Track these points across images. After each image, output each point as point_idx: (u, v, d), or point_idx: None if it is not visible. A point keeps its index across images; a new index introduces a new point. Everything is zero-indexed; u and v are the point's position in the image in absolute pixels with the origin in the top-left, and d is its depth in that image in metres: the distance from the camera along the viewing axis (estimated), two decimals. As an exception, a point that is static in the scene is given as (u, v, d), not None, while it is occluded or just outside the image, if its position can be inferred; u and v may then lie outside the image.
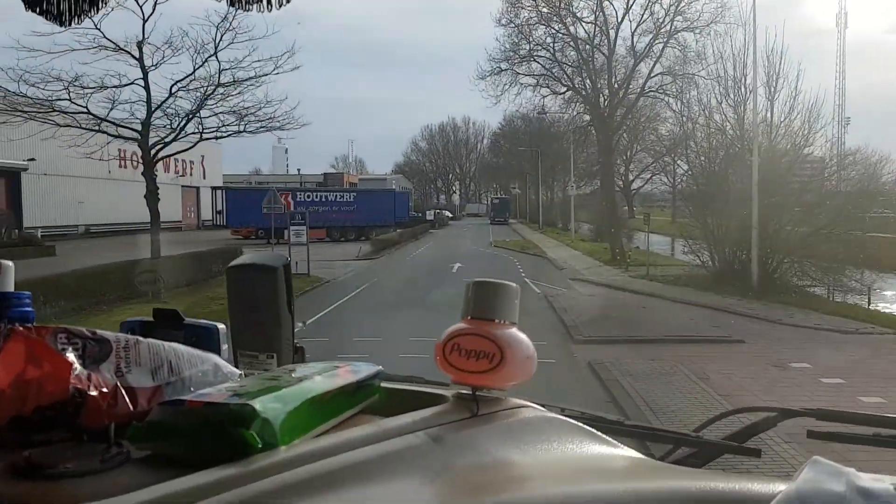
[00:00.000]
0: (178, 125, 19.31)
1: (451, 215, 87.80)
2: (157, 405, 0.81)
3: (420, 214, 70.07)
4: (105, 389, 0.82)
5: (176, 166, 54.55)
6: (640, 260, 24.62)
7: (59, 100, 17.57)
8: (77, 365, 0.82)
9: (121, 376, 0.85)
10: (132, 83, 18.53)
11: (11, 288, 1.05)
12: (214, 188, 41.31)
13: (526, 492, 0.80)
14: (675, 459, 1.09)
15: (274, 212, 19.93)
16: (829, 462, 0.67)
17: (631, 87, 29.50)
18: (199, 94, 19.91)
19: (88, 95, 18.77)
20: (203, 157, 57.96)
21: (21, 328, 0.83)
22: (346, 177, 74.70)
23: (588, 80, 29.52)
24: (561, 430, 0.96)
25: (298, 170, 79.81)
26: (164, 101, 18.73)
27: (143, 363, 0.88)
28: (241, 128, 20.02)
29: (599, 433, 0.98)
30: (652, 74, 28.98)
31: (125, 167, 47.55)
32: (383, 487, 0.75)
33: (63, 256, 21.00)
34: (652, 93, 29.55)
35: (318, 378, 0.89)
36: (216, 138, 21.34)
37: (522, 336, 0.96)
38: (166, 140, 19.38)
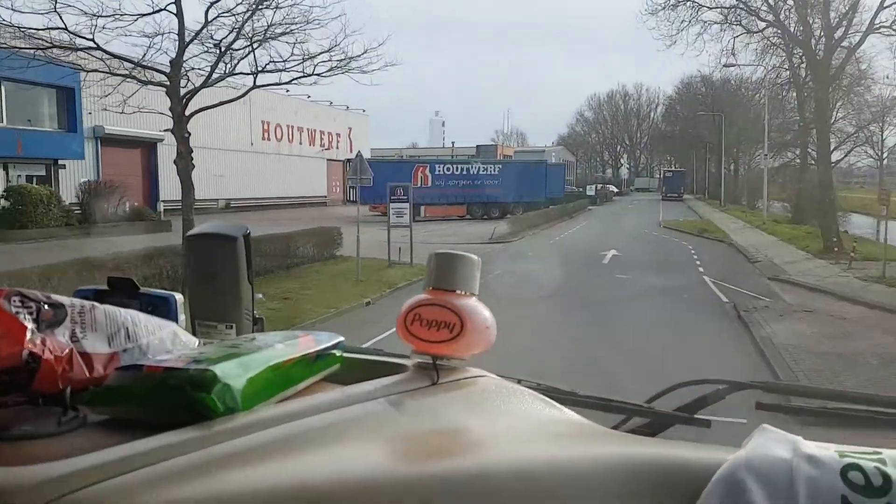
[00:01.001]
0: (217, 61, 14.90)
1: (616, 190, 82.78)
2: (114, 370, 0.83)
3: (580, 189, 63.78)
4: (60, 354, 0.83)
5: (322, 139, 52.39)
6: (867, 252, 17.49)
7: (80, 37, 13.77)
8: (31, 329, 0.82)
9: (76, 342, 0.86)
10: (159, 10, 14.34)
11: None
12: (346, 160, 38.06)
13: (482, 455, 0.82)
14: (627, 429, 1.10)
15: (361, 183, 15.40)
16: (776, 430, 0.72)
17: (853, 22, 21.85)
18: (247, 22, 15.49)
19: (108, 31, 15.16)
20: (350, 129, 55.59)
21: None
22: (501, 149, 70.00)
23: (795, 13, 22.20)
24: (517, 398, 0.99)
25: (453, 143, 76.12)
26: (199, 31, 14.54)
27: (100, 329, 0.89)
28: (311, 68, 15.46)
29: (554, 402, 1.00)
30: (886, 3, 21.19)
31: (268, 139, 45.69)
32: (344, 451, 0.77)
33: (177, 232, 18.41)
34: (884, 28, 21.71)
35: (280, 346, 0.92)
36: (278, 84, 16.94)
37: (482, 306, 0.99)
38: (200, 85, 14.95)
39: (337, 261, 18.24)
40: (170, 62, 14.77)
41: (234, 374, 0.80)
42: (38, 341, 0.82)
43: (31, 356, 0.80)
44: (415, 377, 0.98)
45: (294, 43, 15.77)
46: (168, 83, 14.82)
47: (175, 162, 15.54)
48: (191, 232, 1.13)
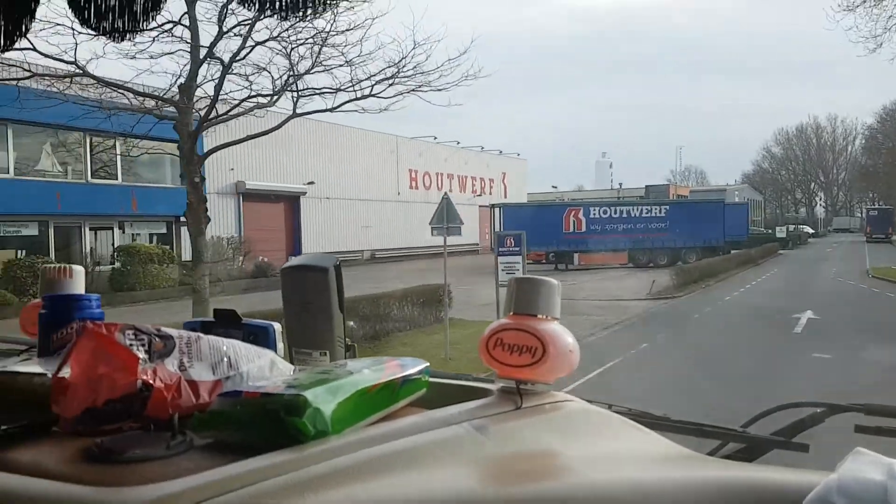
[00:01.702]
0: (220, 80, 12.21)
1: (811, 231, 76.74)
2: (217, 396, 0.91)
3: (768, 231, 56.59)
4: (169, 382, 0.92)
5: (473, 185, 50.34)
6: None
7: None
8: (144, 359, 0.92)
9: (184, 370, 0.95)
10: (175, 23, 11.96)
11: (82, 291, 1.23)
12: (493, 205, 35.21)
13: (568, 480, 0.84)
14: (723, 455, 1.09)
15: (447, 233, 12.16)
16: (871, 453, 0.72)
17: None
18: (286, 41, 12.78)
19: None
20: (504, 173, 53.16)
21: (92, 324, 0.94)
22: (674, 189, 64.33)
23: None
24: (606, 423, 1.00)
25: (620, 184, 71.40)
26: (213, 44, 11.85)
27: (204, 358, 0.98)
28: (368, 89, 12.45)
29: (645, 428, 1.00)
30: None
31: (415, 188, 44.19)
32: (429, 474, 0.81)
33: None
34: None
35: (367, 371, 0.97)
36: (328, 110, 14.05)
37: (564, 330, 1.01)
38: (206, 113, 12.19)
39: (442, 326, 15.08)
40: (178, 87, 12.42)
41: (325, 398, 0.86)
42: (150, 371, 0.91)
43: (144, 385, 0.89)
44: (499, 401, 0.99)
45: (343, 64, 12.91)
46: (177, 115, 12.27)
47: (184, 216, 12.99)
48: (285, 265, 1.23)
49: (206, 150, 13.56)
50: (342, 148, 38.67)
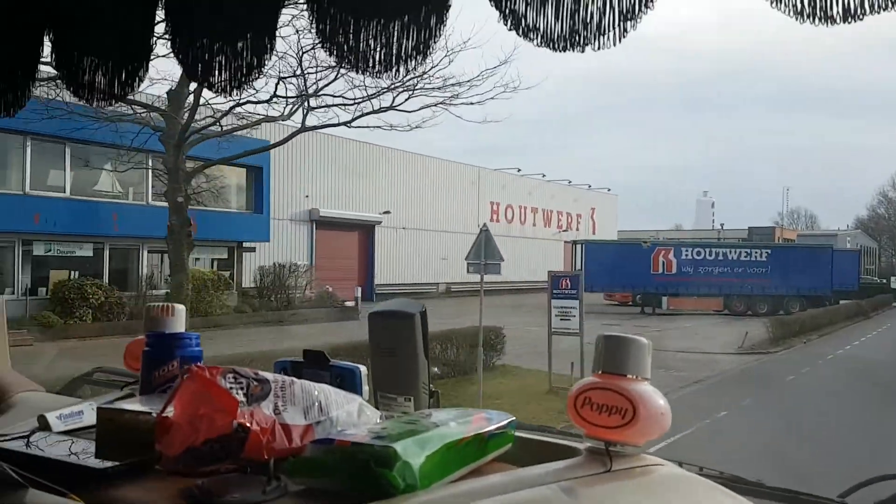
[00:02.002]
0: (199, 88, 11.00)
1: None
2: (309, 442, 0.95)
3: (882, 282, 51.76)
4: (265, 426, 0.95)
5: (559, 220, 48.58)
6: None
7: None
8: (242, 402, 0.96)
9: (278, 414, 0.98)
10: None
11: (183, 328, 1.30)
12: (574, 242, 33.34)
13: None
14: None
15: (485, 270, 10.69)
16: None
17: None
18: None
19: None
20: (593, 209, 51.04)
21: (197, 368, 0.99)
22: (779, 232, 60.18)
23: None
24: (698, 489, 0.98)
25: (721, 225, 67.59)
26: None
27: (297, 402, 1.01)
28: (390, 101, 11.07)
29: (738, 495, 0.98)
30: None
31: (497, 220, 42.99)
32: None
33: (362, 322, 15.44)
34: None
35: (454, 424, 0.99)
36: (341, 124, 12.64)
37: (656, 392, 0.99)
38: (186, 123, 10.78)
39: (491, 373, 13.49)
40: (167, 93, 11.34)
41: (413, 451, 0.87)
42: (248, 413, 0.94)
43: (240, 427, 0.92)
44: (587, 463, 0.99)
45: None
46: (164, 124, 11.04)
47: (167, 240, 11.61)
48: (373, 310, 1.25)
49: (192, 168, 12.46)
50: (421, 177, 38.25)
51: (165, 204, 19.72)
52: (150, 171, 22.10)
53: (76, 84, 1.36)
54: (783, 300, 32.27)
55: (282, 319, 21.46)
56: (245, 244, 27.50)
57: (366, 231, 35.33)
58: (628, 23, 0.96)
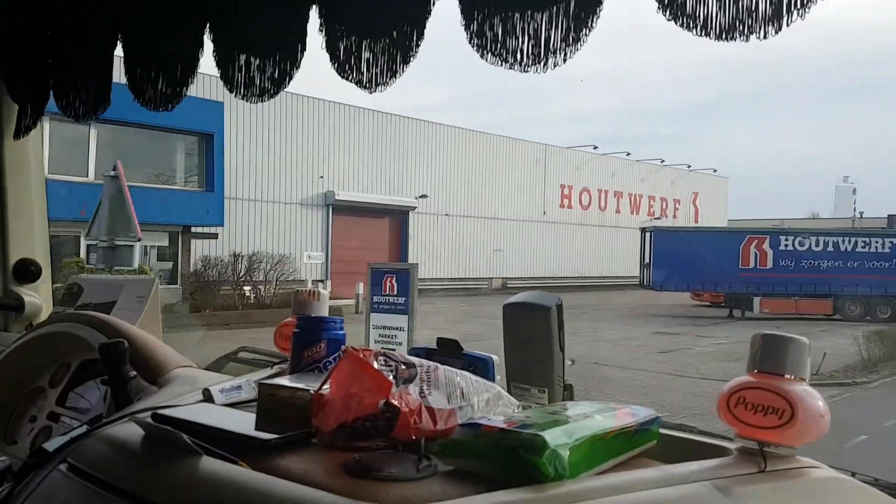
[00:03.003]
0: None
1: None
2: (457, 426, 0.98)
3: None
4: (412, 407, 0.98)
5: (651, 205, 42.13)
6: None
7: None
8: (394, 383, 0.99)
9: (423, 397, 1.01)
10: None
11: (327, 313, 1.40)
12: (643, 229, 27.39)
13: None
14: None
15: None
16: None
17: None
18: None
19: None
20: (696, 193, 44.03)
21: (353, 349, 1.02)
22: (928, 219, 50.15)
23: None
24: (855, 494, 0.97)
25: (860, 213, 57.56)
26: None
27: (441, 387, 1.04)
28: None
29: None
30: None
31: (569, 206, 37.38)
32: None
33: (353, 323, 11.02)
34: None
35: (599, 417, 0.99)
36: None
37: (816, 393, 0.97)
38: None
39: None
40: None
41: (561, 441, 0.88)
42: (397, 395, 0.97)
43: (388, 406, 0.95)
44: (739, 462, 0.97)
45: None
46: None
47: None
48: (508, 301, 1.27)
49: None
50: (469, 156, 33.13)
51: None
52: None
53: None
54: None
55: (227, 322, 17.18)
56: (196, 229, 22.34)
57: (397, 218, 30.54)
58: (794, 12, 0.93)
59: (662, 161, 44.17)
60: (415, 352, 1.21)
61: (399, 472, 0.90)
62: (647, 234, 27.65)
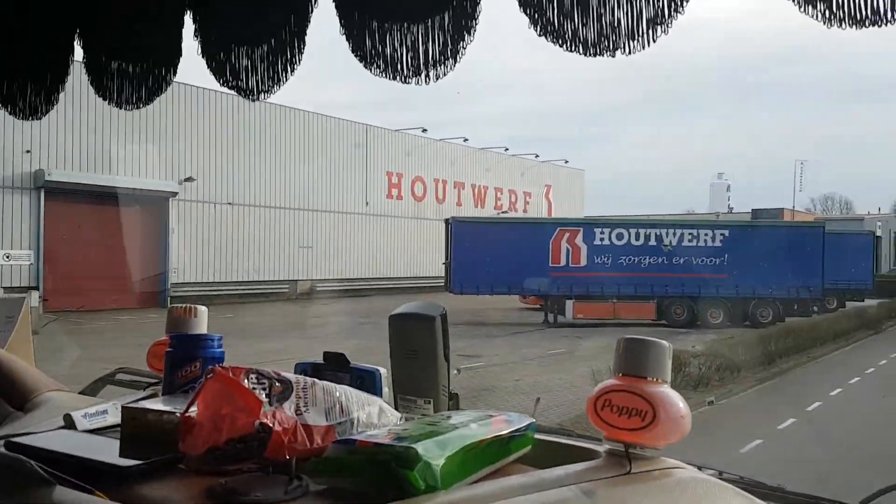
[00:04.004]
0: None
1: None
2: (331, 443, 0.95)
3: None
4: (287, 426, 0.95)
5: (498, 198, 38.03)
6: None
7: None
8: (265, 402, 0.96)
9: (300, 414, 0.98)
10: None
11: (205, 329, 1.33)
12: (447, 220, 22.69)
13: None
14: None
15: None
16: None
17: None
18: None
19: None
20: (548, 186, 40.18)
21: (221, 368, 0.98)
22: (791, 215, 49.03)
23: None
24: (718, 493, 0.98)
25: (730, 208, 55.81)
26: None
27: (319, 403, 1.01)
28: None
29: (759, 500, 0.98)
30: None
31: (398, 197, 32.71)
32: None
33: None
34: None
35: (474, 426, 0.99)
36: None
37: (675, 395, 0.99)
38: None
39: None
40: None
41: (434, 452, 0.87)
42: (270, 414, 0.94)
43: (262, 426, 0.92)
44: (607, 465, 0.98)
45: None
46: None
47: None
48: (393, 312, 1.26)
49: None
50: (267, 134, 27.41)
51: None
52: None
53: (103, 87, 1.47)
54: (749, 304, 21.78)
55: None
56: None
57: (153, 207, 23.93)
58: (658, 27, 0.97)
59: (506, 149, 40.11)
60: (301, 367, 1.21)
61: (266, 495, 0.88)
62: (450, 226, 23.02)
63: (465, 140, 37.35)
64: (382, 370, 1.19)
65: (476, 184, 37.80)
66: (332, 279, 29.26)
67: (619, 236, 22.59)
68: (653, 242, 22.43)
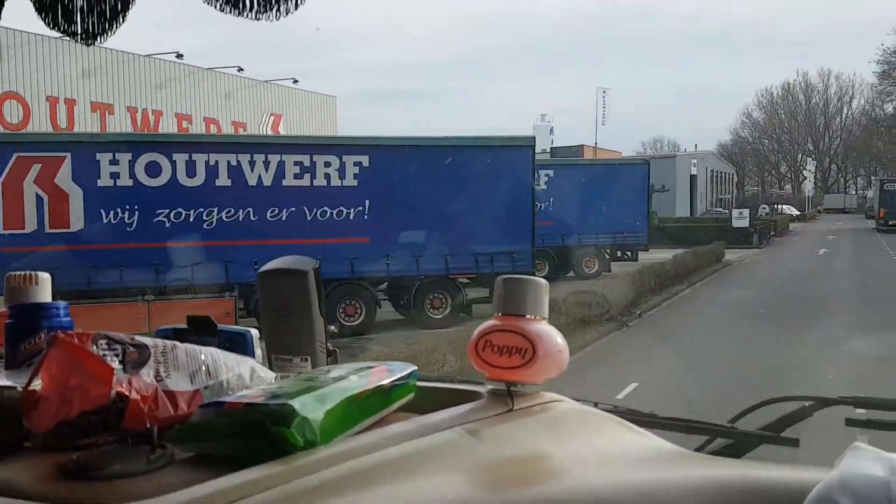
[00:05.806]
0: None
1: (796, 213, 57.77)
2: (197, 407, 0.89)
3: (715, 218, 35.28)
4: (146, 393, 0.89)
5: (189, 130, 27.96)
6: None
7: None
8: (118, 370, 0.89)
9: (160, 381, 0.92)
10: None
11: (49, 298, 1.18)
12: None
13: (564, 482, 0.85)
14: (711, 451, 1.10)
15: None
16: (870, 448, 0.71)
17: None
18: None
19: None
20: (275, 116, 30.34)
21: (63, 335, 0.91)
22: (593, 152, 42.94)
23: None
24: (596, 422, 1.01)
25: (552, 148, 47.95)
26: None
27: (181, 367, 0.95)
28: None
29: (634, 426, 1.02)
30: None
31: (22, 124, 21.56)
32: (422, 482, 0.80)
33: None
34: None
35: (354, 378, 0.95)
36: None
37: (553, 330, 1.00)
38: None
39: None
40: None
41: (312, 407, 0.83)
42: (125, 382, 0.87)
43: (119, 396, 0.86)
44: (490, 404, 0.99)
45: None
46: None
47: None
48: (262, 268, 1.18)
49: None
50: None
51: None
52: None
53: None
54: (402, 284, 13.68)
55: None
56: None
57: None
58: None
59: (239, 68, 29.61)
60: (162, 333, 1.11)
61: (124, 468, 0.80)
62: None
63: (179, 55, 26.45)
64: (254, 331, 1.12)
65: (174, 111, 27.41)
66: None
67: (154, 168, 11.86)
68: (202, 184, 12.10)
